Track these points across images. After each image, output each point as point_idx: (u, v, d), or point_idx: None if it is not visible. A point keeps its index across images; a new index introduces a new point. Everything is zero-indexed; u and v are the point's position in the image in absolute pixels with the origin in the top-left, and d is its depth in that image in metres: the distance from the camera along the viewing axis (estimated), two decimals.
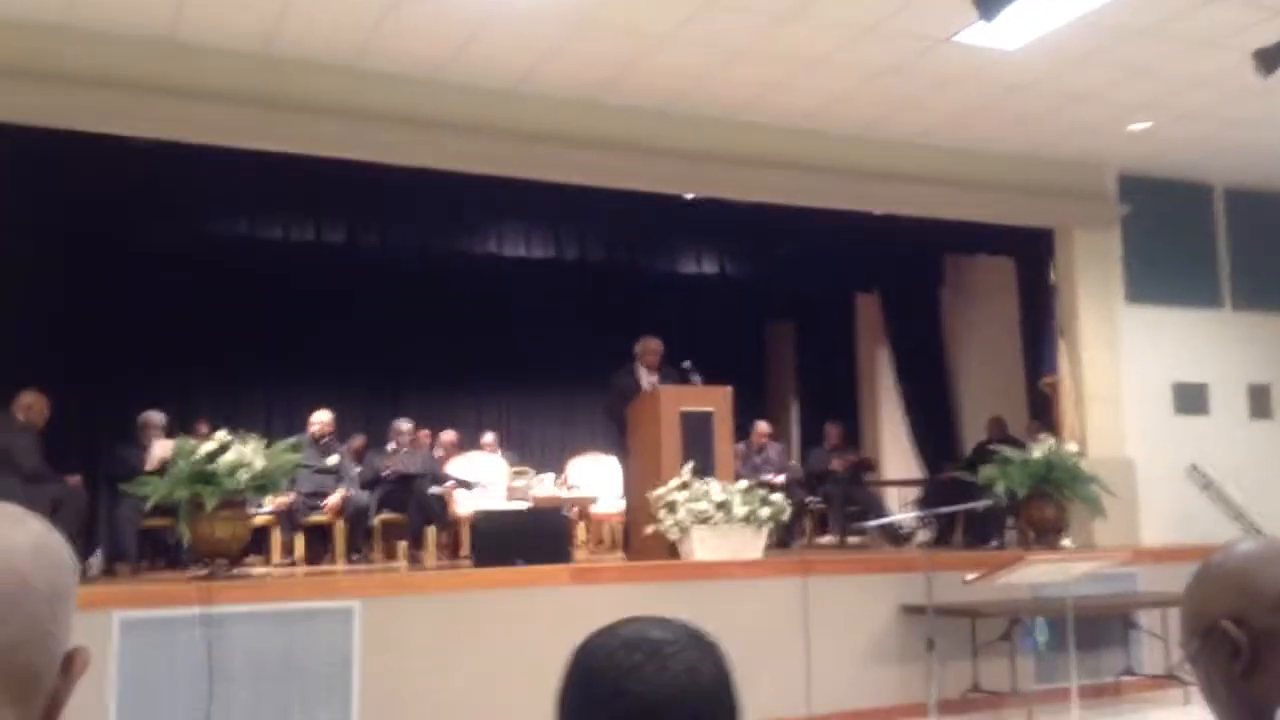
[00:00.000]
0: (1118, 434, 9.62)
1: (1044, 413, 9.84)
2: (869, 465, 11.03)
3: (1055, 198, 9.61)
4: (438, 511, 9.11)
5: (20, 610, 0.93)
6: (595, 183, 8.35)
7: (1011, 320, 10.85)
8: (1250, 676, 1.23)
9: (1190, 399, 9.98)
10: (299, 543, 8.81)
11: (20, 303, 8.41)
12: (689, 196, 9.00)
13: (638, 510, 7.94)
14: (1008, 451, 8.73)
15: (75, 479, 7.51)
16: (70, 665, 0.98)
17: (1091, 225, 9.79)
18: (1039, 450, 8.56)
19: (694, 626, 1.18)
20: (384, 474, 9.20)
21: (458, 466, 10.15)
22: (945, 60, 7.54)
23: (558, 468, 11.40)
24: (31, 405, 7.22)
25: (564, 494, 10.10)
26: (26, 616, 0.94)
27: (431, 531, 9.00)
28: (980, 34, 7.11)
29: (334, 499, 8.82)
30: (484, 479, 9.88)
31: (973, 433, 11.22)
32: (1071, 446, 8.85)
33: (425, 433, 10.63)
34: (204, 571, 6.48)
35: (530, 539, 7.29)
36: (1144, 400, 9.77)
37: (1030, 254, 10.17)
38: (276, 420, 11.54)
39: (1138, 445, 9.64)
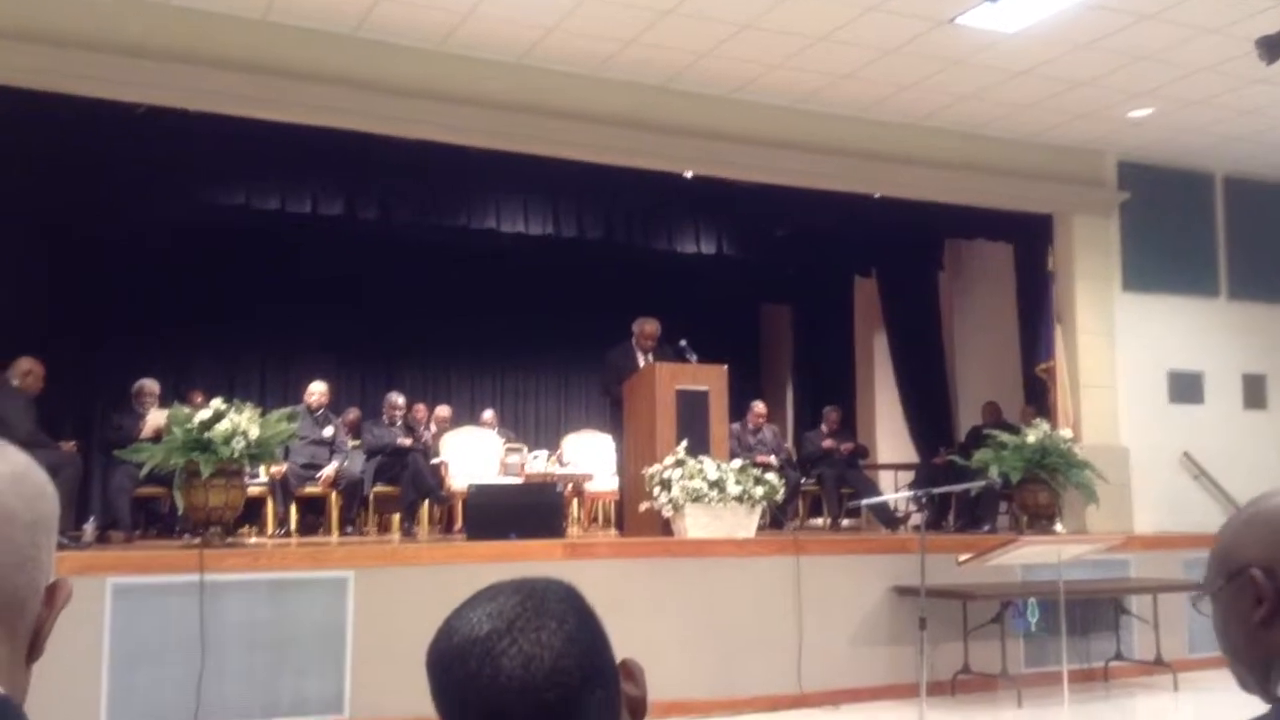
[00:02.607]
0: (1112, 421, 9.64)
1: (1039, 399, 9.85)
2: (863, 452, 11.04)
3: (1055, 183, 9.60)
4: (432, 485, 9.12)
5: (2, 539, 0.93)
6: (595, 159, 8.33)
7: (1009, 306, 10.85)
8: (1269, 626, 1.24)
9: (1185, 388, 10.00)
10: (293, 514, 8.82)
11: (18, 270, 8.39)
12: (688, 175, 8.98)
13: (632, 487, 7.96)
14: (1002, 436, 8.75)
15: (70, 445, 7.51)
16: (53, 596, 0.98)
17: (1090, 212, 9.79)
18: (1033, 435, 8.58)
19: (536, 589, 1.12)
20: (386, 445, 9.18)
21: (452, 442, 10.15)
22: (947, 42, 7.52)
23: (552, 445, 11.41)
24: (29, 372, 7.21)
25: (558, 471, 10.11)
26: (7, 543, 0.94)
27: (425, 505, 9.00)
28: (983, 17, 7.10)
29: (328, 470, 8.81)
30: (479, 455, 9.89)
31: (968, 418, 11.24)
32: (1066, 432, 8.87)
33: (421, 407, 10.62)
34: (197, 540, 6.48)
35: (524, 514, 7.29)
36: (1139, 388, 9.79)
37: (1029, 239, 10.16)
38: (271, 392, 11.55)
39: (1132, 433, 9.66)
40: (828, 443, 10.31)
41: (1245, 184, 10.41)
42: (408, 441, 9.31)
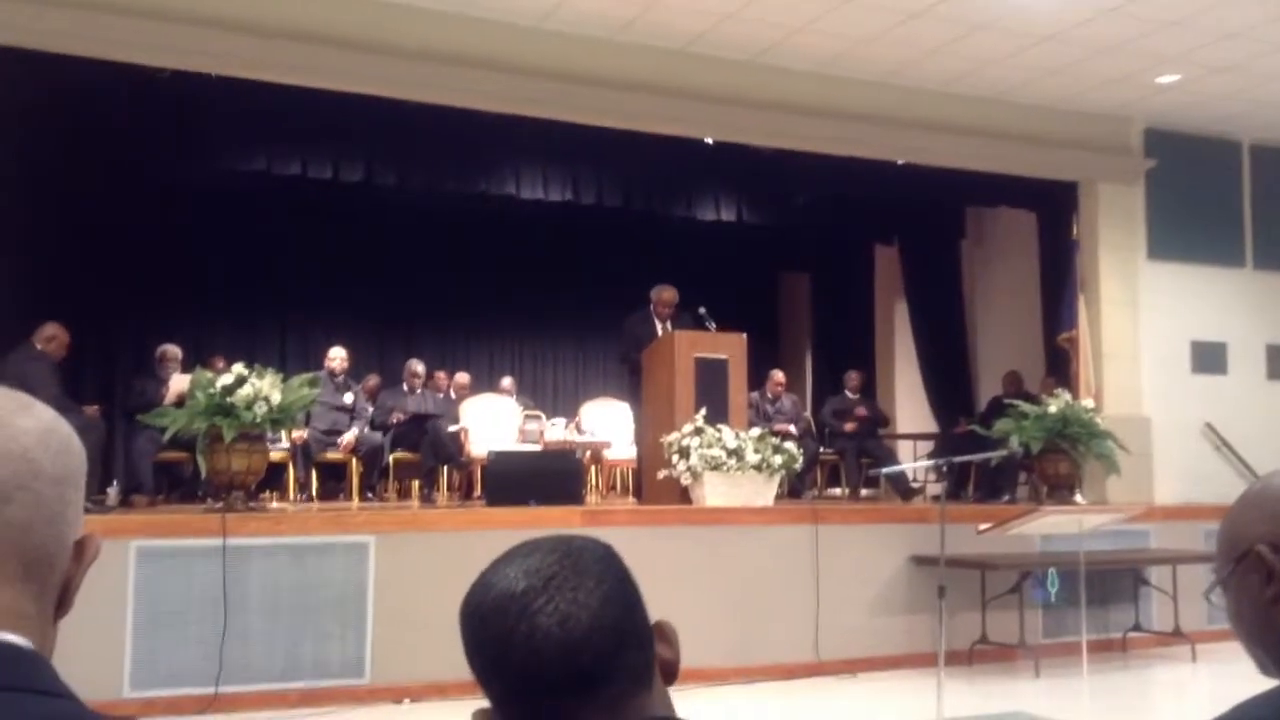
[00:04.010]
0: (1135, 391, 9.58)
1: (1061, 368, 9.79)
2: (884, 420, 11.00)
3: (1080, 151, 9.50)
4: (452, 452, 9.15)
5: (29, 492, 0.94)
6: (615, 124, 8.28)
7: (1031, 274, 10.78)
8: None
9: (1209, 358, 9.93)
10: (314, 480, 8.87)
11: (41, 236, 8.43)
12: (709, 141, 8.92)
13: (650, 455, 7.96)
14: (1023, 406, 8.71)
15: (94, 410, 7.56)
16: (82, 551, 0.99)
17: (1116, 179, 9.68)
18: (1054, 405, 8.53)
19: (574, 548, 1.10)
20: (393, 420, 9.20)
21: (471, 409, 10.17)
22: (972, 6, 7.43)
23: (570, 413, 11.43)
24: (54, 337, 7.26)
25: (576, 438, 10.13)
26: (36, 497, 0.94)
27: (444, 471, 9.04)
28: None
29: (348, 437, 8.86)
30: (498, 423, 9.91)
31: (988, 388, 11.19)
32: (1088, 403, 8.82)
33: (443, 375, 10.66)
34: (220, 504, 6.54)
35: (543, 480, 7.32)
36: (1162, 358, 9.72)
37: (1053, 207, 10.08)
38: (292, 358, 11.60)
39: (1154, 403, 9.60)
40: (850, 425, 10.25)
41: (1273, 152, 10.27)
42: (400, 417, 9.21)
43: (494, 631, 1.06)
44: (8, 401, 0.98)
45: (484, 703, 1.09)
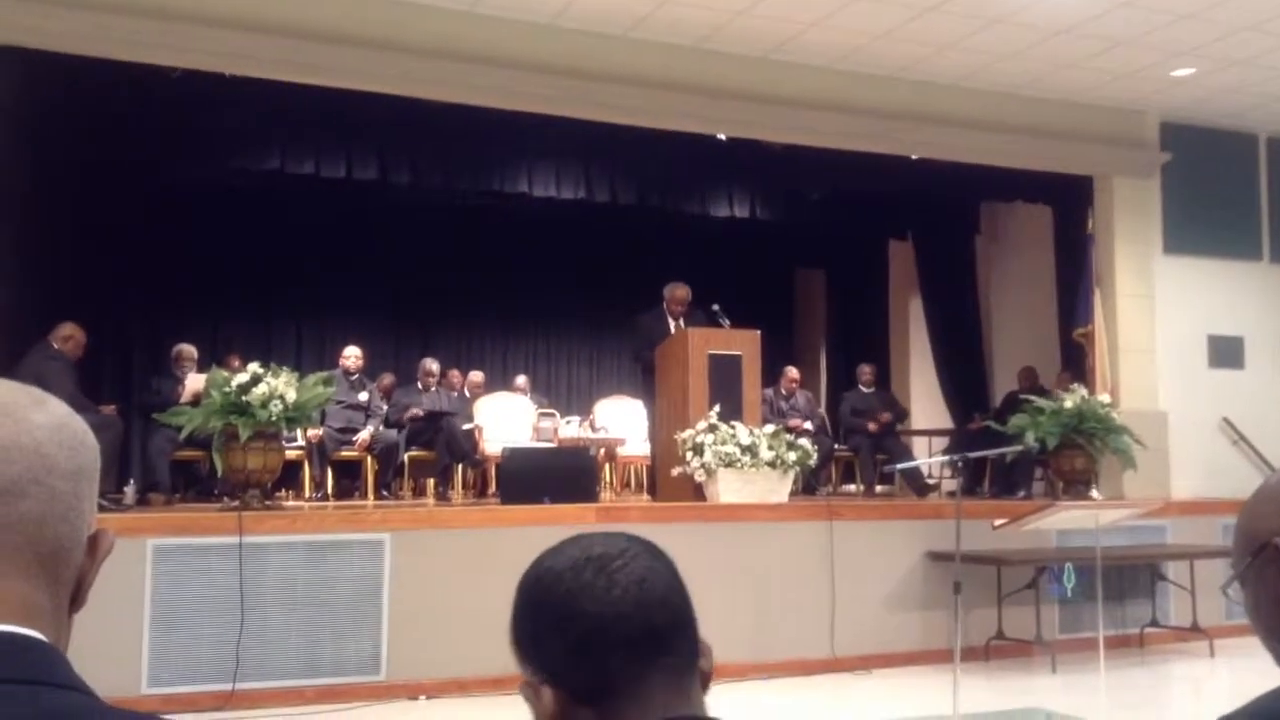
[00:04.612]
0: (1151, 386, 9.53)
1: (1076, 363, 9.75)
2: (901, 415, 10.95)
3: (1095, 144, 9.45)
4: (466, 449, 9.17)
5: (43, 487, 0.94)
6: (627, 121, 8.27)
7: (1047, 269, 10.74)
8: None
9: (1225, 352, 9.87)
10: (329, 478, 8.90)
11: (58, 237, 8.48)
12: (722, 137, 8.91)
13: (664, 452, 7.96)
14: (1039, 401, 8.68)
15: (111, 409, 7.60)
16: (95, 546, 0.99)
17: (1131, 173, 9.63)
18: (1070, 400, 8.50)
19: (639, 538, 1.16)
20: (408, 416, 9.23)
21: (485, 407, 10.19)
22: (988, 0, 7.39)
23: (584, 410, 11.43)
24: (70, 336, 7.30)
25: (590, 436, 10.13)
26: (50, 492, 0.94)
27: (459, 469, 9.05)
28: None
29: (364, 435, 8.88)
30: (512, 421, 9.93)
31: (1004, 383, 11.15)
32: (1104, 398, 8.78)
33: (456, 373, 10.68)
34: (236, 502, 6.56)
35: (557, 478, 7.33)
36: (1179, 352, 9.66)
37: (1068, 202, 10.03)
38: (307, 356, 11.64)
39: (1171, 398, 9.55)
40: (873, 427, 10.20)
41: None
42: (415, 415, 9.24)
43: (567, 586, 1.08)
44: (21, 397, 0.98)
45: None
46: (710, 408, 7.54)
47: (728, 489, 7.32)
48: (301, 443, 8.56)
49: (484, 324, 13.16)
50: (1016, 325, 11.60)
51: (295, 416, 6.63)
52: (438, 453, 9.10)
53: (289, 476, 8.49)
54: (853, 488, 10.41)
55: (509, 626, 1.14)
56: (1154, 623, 8.13)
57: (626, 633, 1.06)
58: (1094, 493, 8.70)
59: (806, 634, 7.15)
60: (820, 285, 14.26)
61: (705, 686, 1.14)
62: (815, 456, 7.93)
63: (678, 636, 1.09)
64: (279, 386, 6.46)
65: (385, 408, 9.53)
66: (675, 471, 7.51)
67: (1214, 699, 6.91)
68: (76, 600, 0.98)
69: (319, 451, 8.68)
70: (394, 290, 12.35)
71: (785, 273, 14.58)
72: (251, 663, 5.96)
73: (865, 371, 10.73)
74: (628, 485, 10.93)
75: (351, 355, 9.23)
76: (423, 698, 6.20)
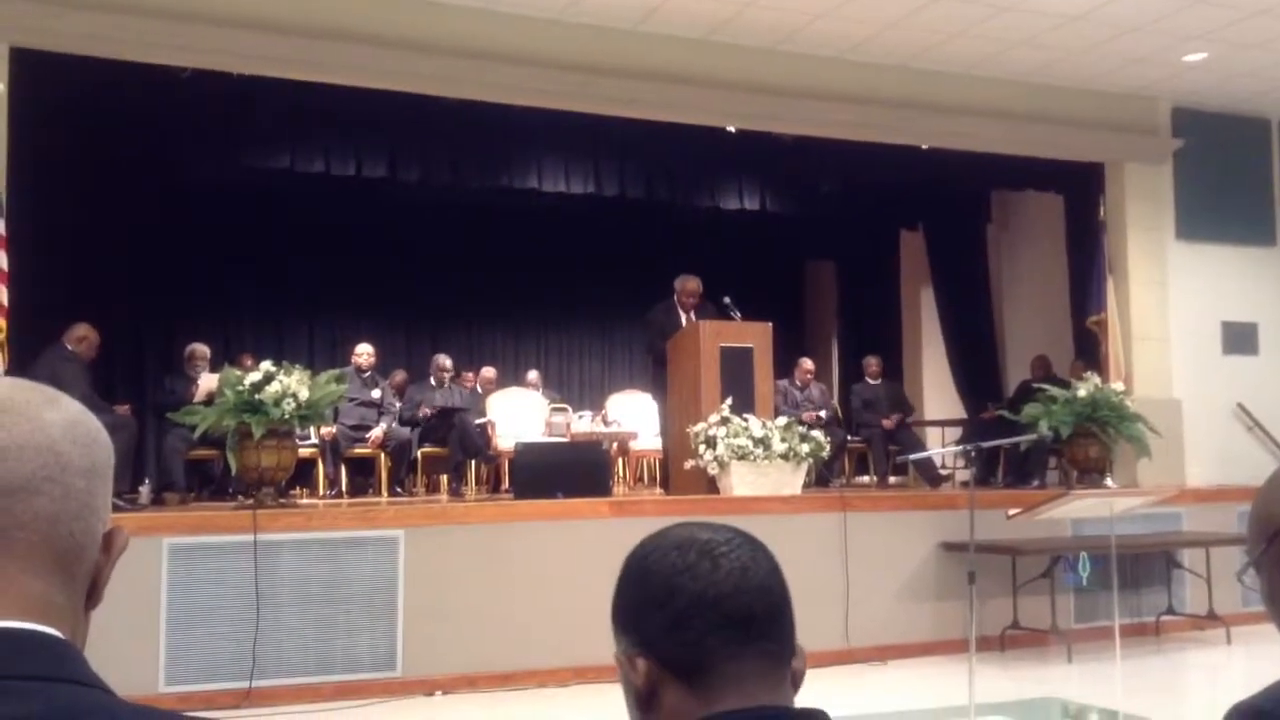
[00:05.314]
0: (1165, 373, 9.49)
1: (1090, 352, 9.71)
2: (908, 409, 10.93)
3: (1107, 131, 9.40)
4: (479, 445, 9.18)
5: (57, 484, 0.94)
6: (637, 115, 8.27)
7: (1059, 258, 10.69)
8: None
9: (1239, 339, 9.82)
10: (343, 476, 8.92)
11: (72, 238, 8.52)
12: (732, 129, 8.89)
13: (676, 446, 7.96)
14: (1052, 390, 8.65)
15: (125, 409, 7.64)
16: (110, 543, 0.99)
17: (1143, 160, 9.59)
18: (1084, 389, 8.46)
19: (743, 530, 1.19)
20: (421, 414, 9.25)
21: (497, 403, 10.21)
22: None
23: (597, 404, 11.44)
24: (84, 337, 7.33)
25: (603, 430, 10.13)
26: (64, 489, 0.95)
27: (472, 465, 9.06)
28: None
29: (377, 432, 8.90)
30: (524, 416, 9.94)
31: (1017, 373, 11.12)
32: (1118, 386, 8.74)
33: (469, 369, 10.70)
34: (250, 500, 6.58)
35: (571, 472, 7.33)
36: (1192, 339, 9.62)
37: (1080, 190, 9.98)
38: (319, 354, 11.67)
39: (1185, 385, 9.51)
40: (887, 423, 10.17)
41: None
42: (428, 411, 9.24)
43: (674, 563, 1.12)
44: (35, 395, 0.98)
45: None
46: (722, 400, 7.53)
47: (741, 482, 7.32)
48: (315, 440, 8.57)
49: (495, 319, 13.17)
50: (1029, 314, 11.56)
51: (308, 414, 6.64)
52: (451, 449, 9.11)
53: (303, 474, 8.50)
54: (866, 479, 10.40)
55: (611, 604, 1.17)
56: (1170, 611, 8.10)
57: (726, 612, 1.10)
58: (1108, 481, 8.68)
59: (821, 625, 7.13)
60: (831, 276, 14.23)
61: (795, 687, 1.17)
62: (828, 448, 7.92)
63: (774, 626, 1.12)
64: (292, 384, 6.48)
65: (398, 404, 9.54)
66: (688, 465, 7.51)
67: (1230, 686, 6.88)
68: (92, 597, 0.99)
69: (332, 449, 8.70)
70: (405, 287, 12.36)
71: (796, 264, 14.56)
72: (268, 660, 5.98)
73: (871, 364, 10.71)
74: (641, 479, 10.92)
75: (364, 352, 9.25)
76: (438, 693, 6.22)
